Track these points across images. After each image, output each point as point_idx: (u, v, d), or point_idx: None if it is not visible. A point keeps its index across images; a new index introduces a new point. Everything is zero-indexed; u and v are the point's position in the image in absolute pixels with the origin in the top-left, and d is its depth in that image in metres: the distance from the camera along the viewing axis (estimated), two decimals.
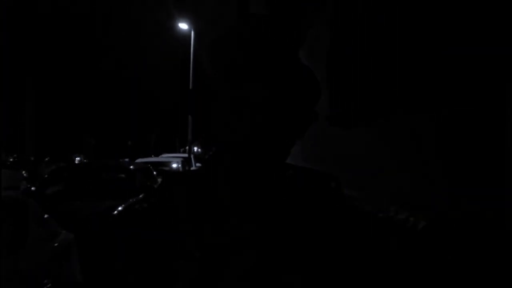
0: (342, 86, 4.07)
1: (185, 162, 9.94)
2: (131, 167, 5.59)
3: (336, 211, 0.68)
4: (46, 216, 2.51)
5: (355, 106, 3.62)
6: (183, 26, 14.54)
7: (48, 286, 2.09)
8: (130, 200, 4.65)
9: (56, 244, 2.31)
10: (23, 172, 12.36)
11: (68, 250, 2.45)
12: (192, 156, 11.81)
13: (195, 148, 24.26)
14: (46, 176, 5.90)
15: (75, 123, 21.38)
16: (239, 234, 0.62)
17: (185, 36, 15.98)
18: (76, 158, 17.98)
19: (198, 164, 11.18)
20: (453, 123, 2.26)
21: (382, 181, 2.96)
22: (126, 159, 15.33)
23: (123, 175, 5.42)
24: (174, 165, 9.36)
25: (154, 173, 6.39)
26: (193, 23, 15.20)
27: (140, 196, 4.89)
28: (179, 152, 27.47)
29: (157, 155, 21.36)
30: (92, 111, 21.02)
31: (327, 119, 4.05)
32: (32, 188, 5.42)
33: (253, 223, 0.63)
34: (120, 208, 4.40)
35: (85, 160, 18.18)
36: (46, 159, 17.73)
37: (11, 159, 16.07)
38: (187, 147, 35.02)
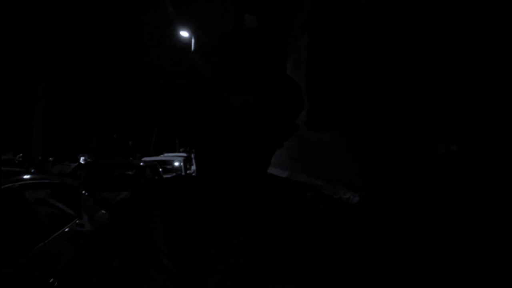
0: (316, 96, 4.65)
1: (186, 160, 10.85)
2: (141, 164, 6.51)
3: (312, 219, 0.66)
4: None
5: (325, 114, 4.40)
6: (184, 34, 15.41)
7: None
8: None
9: (100, 216, 3.23)
10: (32, 170, 13.12)
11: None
12: (192, 155, 12.69)
13: None
14: (68, 172, 6.81)
15: (78, 123, 22.16)
16: (218, 249, 0.60)
17: (185, 39, 16.90)
18: (81, 158, 18.78)
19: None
20: (387, 128, 3.05)
21: (340, 173, 3.82)
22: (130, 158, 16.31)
23: (136, 171, 6.33)
24: (176, 164, 10.25)
25: (160, 170, 7.36)
26: (193, 30, 16.10)
27: None
28: (179, 152, 28.25)
29: (157, 154, 22.14)
30: (95, 112, 21.77)
31: (305, 124, 4.83)
32: None
33: (237, 236, 0.62)
34: None
35: (89, 160, 18.98)
36: (50, 158, 18.49)
37: (18, 158, 16.76)
38: (187, 148, 35.85)
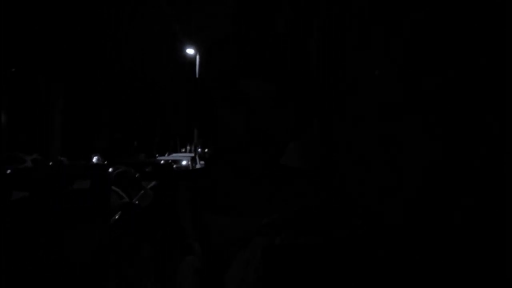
0: None
1: (192, 160, 12.82)
2: (162, 162, 8.44)
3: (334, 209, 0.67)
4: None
5: None
6: (190, 50, 17.19)
7: None
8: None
9: (148, 193, 5.17)
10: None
11: None
12: (196, 155, 14.58)
13: (199, 149, 26.83)
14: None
15: (90, 125, 23.99)
16: (242, 233, 0.62)
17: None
18: (95, 157, 20.56)
19: (202, 162, 14.02)
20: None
21: None
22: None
23: (156, 168, 8.25)
24: (184, 162, 12.21)
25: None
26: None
27: None
28: (180, 152, 30.13)
29: (160, 154, 23.92)
30: (105, 115, 23.58)
31: None
32: None
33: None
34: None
35: (101, 159, 20.75)
36: (62, 158, 20.16)
37: (32, 159, 18.12)
38: (187, 147, 37.60)
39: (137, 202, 4.66)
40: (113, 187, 4.22)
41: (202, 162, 13.62)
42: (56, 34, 16.74)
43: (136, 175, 5.25)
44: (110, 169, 4.45)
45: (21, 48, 15.54)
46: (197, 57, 17.08)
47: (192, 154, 14.49)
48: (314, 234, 0.62)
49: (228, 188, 0.67)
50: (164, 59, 25.32)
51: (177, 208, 0.68)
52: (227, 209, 0.66)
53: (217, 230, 0.64)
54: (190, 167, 11.60)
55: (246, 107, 0.60)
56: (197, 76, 0.69)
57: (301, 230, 0.62)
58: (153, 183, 6.95)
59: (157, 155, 28.99)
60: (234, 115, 0.61)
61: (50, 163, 16.82)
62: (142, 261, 0.66)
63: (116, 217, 3.72)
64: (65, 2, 15.87)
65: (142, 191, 4.91)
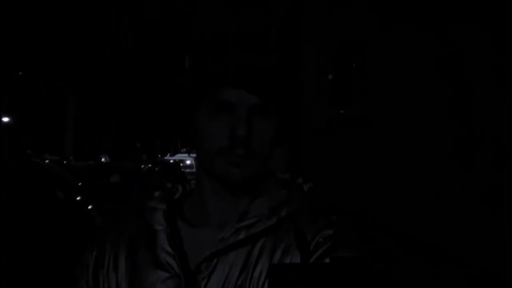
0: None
1: (195, 159, 14.54)
2: (171, 161, 10.16)
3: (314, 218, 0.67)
4: None
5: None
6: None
7: None
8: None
9: None
10: None
11: None
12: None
13: None
14: None
15: (96, 129, 25.63)
16: (220, 247, 0.61)
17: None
18: (102, 158, 22.15)
19: None
20: None
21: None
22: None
23: (166, 166, 9.95)
24: (188, 162, 13.92)
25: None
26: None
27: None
28: (181, 153, 31.67)
29: (163, 155, 25.46)
30: (111, 119, 25.24)
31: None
32: None
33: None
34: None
35: (108, 159, 22.33)
36: (71, 157, 21.70)
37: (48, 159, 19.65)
38: (188, 148, 39.00)
39: None
40: None
41: None
42: (73, 49, 18.25)
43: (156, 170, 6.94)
44: (142, 166, 6.12)
45: (43, 61, 17.05)
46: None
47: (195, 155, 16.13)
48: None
49: (206, 199, 0.67)
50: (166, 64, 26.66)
51: (153, 221, 0.66)
52: (204, 221, 0.67)
53: (194, 244, 0.64)
54: (194, 166, 13.27)
55: (229, 116, 0.61)
56: (183, 80, 0.66)
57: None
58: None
59: (159, 155, 30.54)
60: (218, 123, 0.61)
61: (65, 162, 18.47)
62: (120, 274, 0.66)
63: None
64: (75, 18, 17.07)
65: None
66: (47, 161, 16.67)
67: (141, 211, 0.70)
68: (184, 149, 39.16)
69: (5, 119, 21.38)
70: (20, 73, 19.38)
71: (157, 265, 0.63)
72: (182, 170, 10.83)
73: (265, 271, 0.60)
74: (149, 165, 6.41)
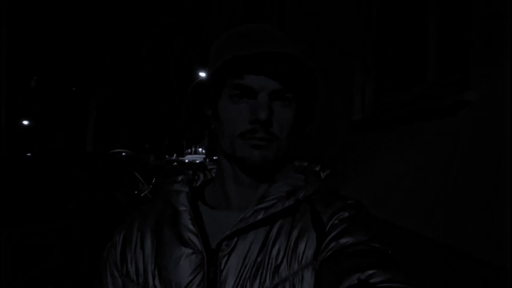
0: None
1: (204, 159, 16.71)
2: (186, 161, 12.28)
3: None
4: None
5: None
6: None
7: None
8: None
9: None
10: None
11: None
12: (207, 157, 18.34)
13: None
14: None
15: (113, 131, 27.75)
16: (240, 226, 0.64)
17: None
18: None
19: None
20: None
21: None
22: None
23: (185, 164, 12.03)
24: (198, 161, 16.12)
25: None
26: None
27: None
28: (186, 153, 33.68)
29: (169, 155, 27.34)
30: (126, 123, 27.37)
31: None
32: None
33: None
34: None
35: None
36: None
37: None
38: (193, 149, 40.93)
39: None
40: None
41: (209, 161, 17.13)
42: (95, 57, 19.94)
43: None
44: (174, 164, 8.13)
45: (67, 68, 18.81)
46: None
47: (204, 155, 18.31)
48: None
49: (227, 183, 0.71)
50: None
51: (178, 203, 0.71)
52: (225, 203, 0.72)
53: (215, 224, 0.68)
54: None
55: (251, 101, 0.64)
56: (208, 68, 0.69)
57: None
58: None
59: (166, 156, 32.37)
60: (240, 107, 0.64)
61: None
62: (146, 251, 0.69)
63: None
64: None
65: None
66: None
67: (165, 193, 0.74)
68: (189, 150, 41.65)
69: (25, 122, 23.58)
70: (35, 77, 21.36)
71: (181, 242, 0.66)
72: None
73: (282, 249, 0.63)
74: (175, 163, 8.49)
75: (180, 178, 0.76)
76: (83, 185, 3.46)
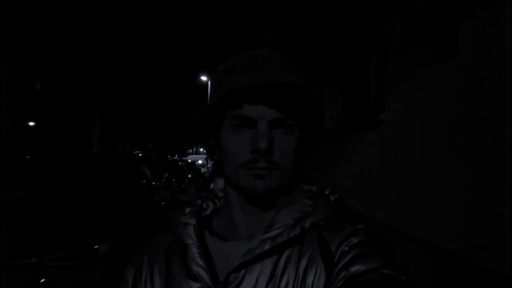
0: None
1: (206, 160, 17.64)
2: (189, 160, 13.18)
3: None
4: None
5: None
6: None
7: None
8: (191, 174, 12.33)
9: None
10: None
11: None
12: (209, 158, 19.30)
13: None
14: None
15: (117, 131, 28.60)
16: (248, 258, 0.63)
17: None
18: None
19: (211, 162, 18.59)
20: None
21: None
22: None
23: (188, 164, 12.95)
24: (200, 161, 16.99)
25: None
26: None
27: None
28: (187, 154, 34.59)
29: (172, 156, 28.05)
30: (129, 123, 28.18)
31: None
32: None
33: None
34: (190, 176, 12.01)
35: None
36: None
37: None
38: (194, 149, 41.55)
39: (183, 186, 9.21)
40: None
41: (212, 162, 18.19)
42: (101, 59, 20.47)
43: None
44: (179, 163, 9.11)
45: (74, 71, 19.46)
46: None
47: (205, 156, 19.29)
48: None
49: (233, 213, 0.71)
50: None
51: (185, 236, 0.71)
52: (232, 234, 0.71)
53: (223, 257, 0.68)
54: (205, 165, 16.39)
55: (251, 131, 0.64)
56: (208, 99, 0.69)
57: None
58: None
59: (168, 156, 33.16)
60: (240, 138, 0.65)
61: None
62: (156, 286, 0.70)
63: None
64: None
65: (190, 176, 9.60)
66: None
67: (174, 226, 0.74)
68: (190, 150, 42.73)
69: (31, 123, 24.45)
70: (39, 80, 22.04)
71: (189, 277, 0.66)
72: (198, 167, 13.95)
73: (291, 280, 0.62)
74: (180, 163, 9.55)
75: (188, 210, 0.76)
76: (119, 180, 4.49)
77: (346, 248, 0.61)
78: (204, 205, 0.79)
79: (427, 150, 2.27)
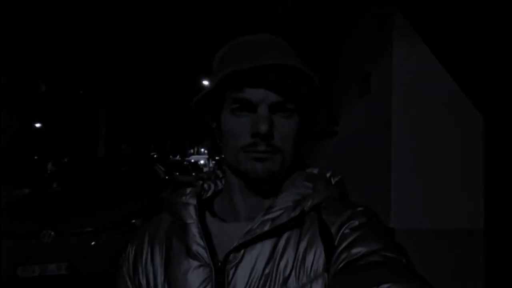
0: None
1: (208, 160, 18.76)
2: (192, 161, 14.31)
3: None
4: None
5: None
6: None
7: None
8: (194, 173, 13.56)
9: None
10: None
11: None
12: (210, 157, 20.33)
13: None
14: None
15: (122, 133, 29.54)
16: (247, 238, 0.64)
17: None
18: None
19: (213, 162, 19.56)
20: None
21: None
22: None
23: (192, 164, 14.06)
24: (202, 161, 18.10)
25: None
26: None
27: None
28: (188, 154, 35.48)
29: (174, 156, 28.93)
30: (133, 125, 29.13)
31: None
32: None
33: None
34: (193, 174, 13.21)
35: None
36: None
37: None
38: (195, 149, 42.22)
39: None
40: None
41: (213, 162, 19.21)
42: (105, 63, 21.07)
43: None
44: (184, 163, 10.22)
45: (80, 75, 20.19)
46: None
47: (207, 156, 20.38)
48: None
49: (234, 195, 0.72)
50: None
51: (186, 216, 0.71)
52: (232, 215, 0.72)
53: (223, 237, 0.68)
54: (207, 165, 17.48)
55: (251, 114, 0.64)
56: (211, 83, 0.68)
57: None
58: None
59: (170, 156, 34.01)
60: (241, 121, 0.64)
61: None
62: (156, 264, 0.71)
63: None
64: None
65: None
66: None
67: (174, 206, 0.74)
68: (191, 150, 43.63)
69: (38, 124, 25.36)
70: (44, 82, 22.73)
71: (189, 255, 0.67)
72: (201, 167, 15.03)
73: (291, 261, 0.62)
74: (185, 163, 10.70)
75: (188, 190, 0.76)
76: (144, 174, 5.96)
77: (347, 231, 0.61)
78: (205, 186, 0.80)
79: (355, 155, 3.35)
